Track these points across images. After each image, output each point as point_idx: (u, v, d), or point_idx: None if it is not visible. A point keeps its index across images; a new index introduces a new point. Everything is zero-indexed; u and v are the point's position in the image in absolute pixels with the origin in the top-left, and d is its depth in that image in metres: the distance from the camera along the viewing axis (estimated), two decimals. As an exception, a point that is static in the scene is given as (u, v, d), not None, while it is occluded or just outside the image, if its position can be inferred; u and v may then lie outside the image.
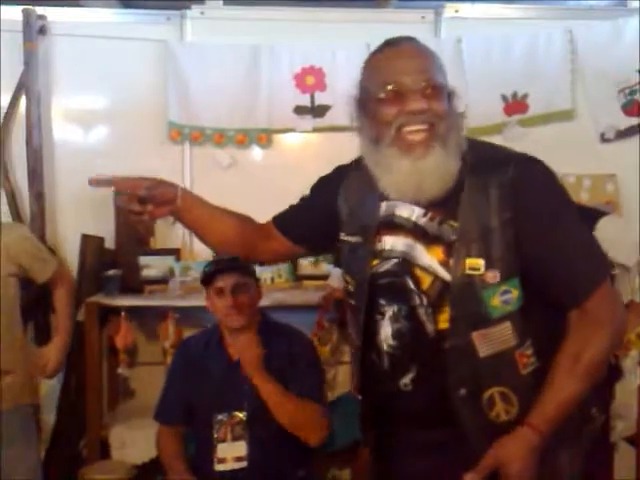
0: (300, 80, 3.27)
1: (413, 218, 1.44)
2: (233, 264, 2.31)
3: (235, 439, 2.24)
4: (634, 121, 3.24)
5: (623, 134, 3.24)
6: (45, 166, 3.20)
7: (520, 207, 1.37)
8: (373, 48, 3.41)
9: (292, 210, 1.75)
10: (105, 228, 3.16)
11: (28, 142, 3.14)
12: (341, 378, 3.02)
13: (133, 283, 3.06)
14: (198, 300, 2.83)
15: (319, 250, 2.06)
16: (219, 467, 2.24)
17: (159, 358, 2.96)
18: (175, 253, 3.15)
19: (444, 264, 1.39)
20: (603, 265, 1.45)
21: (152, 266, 3.07)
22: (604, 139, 3.26)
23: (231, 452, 2.24)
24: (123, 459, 2.83)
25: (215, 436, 2.25)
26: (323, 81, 3.26)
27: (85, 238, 3.12)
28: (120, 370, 2.97)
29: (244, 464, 2.22)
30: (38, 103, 3.16)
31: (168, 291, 3.02)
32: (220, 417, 2.26)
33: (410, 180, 1.40)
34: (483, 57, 3.23)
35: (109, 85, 3.27)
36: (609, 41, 3.24)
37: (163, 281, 3.06)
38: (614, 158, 3.23)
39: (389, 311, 1.47)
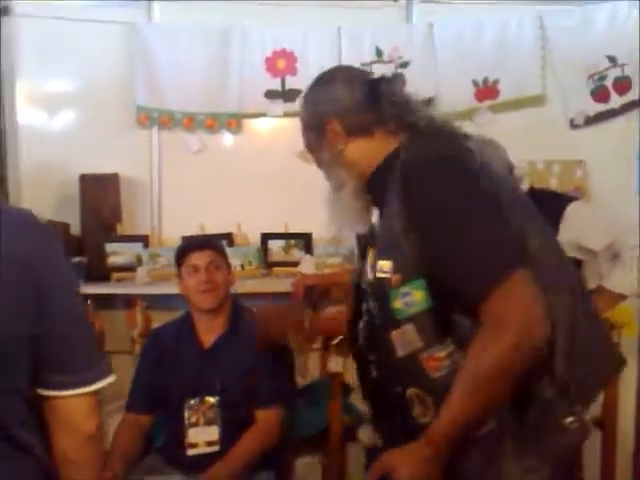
0: (271, 64, 3.23)
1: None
2: (208, 242, 2.28)
3: (207, 423, 2.23)
4: (603, 107, 3.25)
5: (592, 120, 3.25)
6: (9, 150, 3.13)
7: (409, 212, 1.34)
8: (344, 32, 3.36)
9: None
10: (70, 214, 3.10)
11: (-9, 126, 3.06)
12: (312, 365, 3.00)
13: (99, 270, 3.01)
14: (167, 287, 2.79)
15: None
16: (191, 452, 2.22)
17: (127, 347, 2.92)
18: (143, 240, 3.10)
19: (371, 266, 1.44)
20: (497, 264, 1.29)
21: (119, 253, 3.03)
22: (573, 125, 3.26)
23: (203, 436, 2.22)
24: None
25: (187, 421, 2.23)
26: (294, 65, 3.23)
27: (50, 224, 3.04)
28: (86, 359, 2.91)
29: (216, 448, 2.21)
30: (1, 86, 3.08)
31: (136, 278, 2.98)
32: (192, 402, 2.24)
33: None
34: (454, 42, 3.21)
35: (75, 68, 3.20)
36: (579, 27, 3.24)
37: (130, 268, 3.02)
38: (583, 144, 3.24)
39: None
